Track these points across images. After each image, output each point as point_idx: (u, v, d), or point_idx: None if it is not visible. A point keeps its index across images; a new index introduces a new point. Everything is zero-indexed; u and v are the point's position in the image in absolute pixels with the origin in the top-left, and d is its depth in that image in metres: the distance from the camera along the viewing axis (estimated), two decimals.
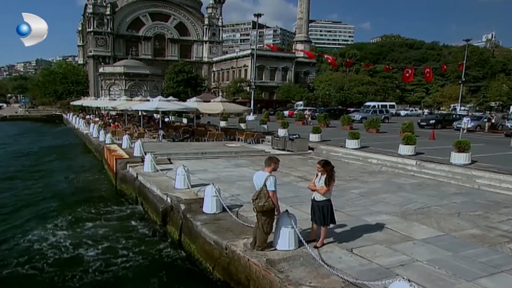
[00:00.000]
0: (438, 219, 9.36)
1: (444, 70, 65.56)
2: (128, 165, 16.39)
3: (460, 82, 58.83)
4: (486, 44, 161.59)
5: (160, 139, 24.80)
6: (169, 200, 11.39)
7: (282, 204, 10.50)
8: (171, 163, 17.05)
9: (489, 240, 8.08)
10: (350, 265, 6.72)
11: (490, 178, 13.18)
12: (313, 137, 23.57)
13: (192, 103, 28.91)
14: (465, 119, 31.79)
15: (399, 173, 15.59)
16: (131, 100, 34.67)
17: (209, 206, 9.70)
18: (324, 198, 7.34)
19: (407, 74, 39.39)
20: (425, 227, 8.79)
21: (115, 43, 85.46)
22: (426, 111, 75.80)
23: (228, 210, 9.28)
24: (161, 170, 14.95)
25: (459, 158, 15.11)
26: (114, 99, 41.69)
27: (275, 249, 7.31)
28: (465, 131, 29.68)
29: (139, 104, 28.62)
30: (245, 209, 10.06)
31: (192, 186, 12.29)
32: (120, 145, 21.09)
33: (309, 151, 21.24)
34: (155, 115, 36.20)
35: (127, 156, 17.96)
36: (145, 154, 16.46)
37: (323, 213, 7.34)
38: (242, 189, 12.29)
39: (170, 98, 29.86)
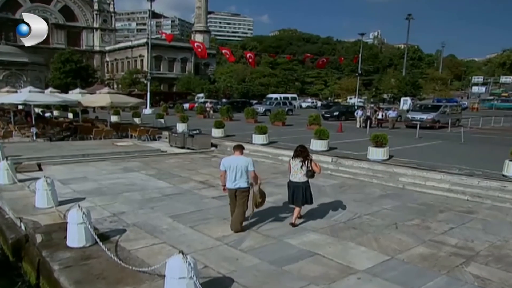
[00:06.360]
0: (375, 235, 7.56)
1: (341, 62, 67.46)
2: None
3: (356, 74, 60.84)
4: (374, 41, 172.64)
5: (33, 138, 20.62)
6: (23, 226, 8.25)
7: (179, 224, 8.12)
8: (41, 170, 13.48)
9: (443, 263, 6.39)
10: None
11: (414, 176, 11.96)
12: (216, 132, 21.30)
13: (74, 95, 24.86)
14: (359, 112, 31.59)
15: None
16: None
17: (75, 238, 6.81)
18: None
19: (307, 60, 39.05)
20: (365, 249, 6.90)
21: None
22: (319, 102, 75.73)
23: (100, 243, 6.45)
24: (23, 181, 11.49)
25: (377, 153, 13.80)
26: None
27: None
28: (359, 124, 29.50)
29: (3, 97, 23.72)
30: (129, 236, 7.38)
31: (62, 203, 9.24)
32: None
33: (212, 148, 18.88)
34: (36, 109, 30.96)
35: None
36: (3, 159, 12.70)
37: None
38: (128, 204, 9.49)
39: (49, 89, 25.52)
